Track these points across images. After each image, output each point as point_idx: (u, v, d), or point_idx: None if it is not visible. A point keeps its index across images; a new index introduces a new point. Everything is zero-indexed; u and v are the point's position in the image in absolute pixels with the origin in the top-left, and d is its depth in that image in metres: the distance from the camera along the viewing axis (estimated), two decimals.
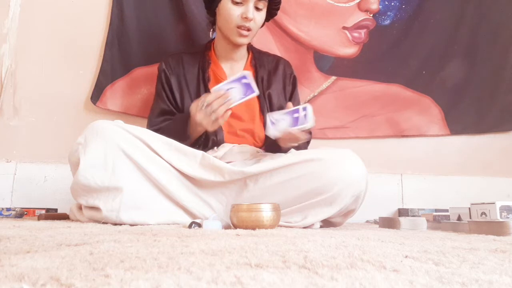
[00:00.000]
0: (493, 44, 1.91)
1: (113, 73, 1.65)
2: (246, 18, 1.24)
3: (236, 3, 1.25)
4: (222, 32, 1.32)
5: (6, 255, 0.43)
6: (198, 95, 1.33)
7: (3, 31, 1.66)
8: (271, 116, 1.14)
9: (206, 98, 1.08)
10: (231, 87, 1.06)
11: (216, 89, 1.08)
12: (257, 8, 1.26)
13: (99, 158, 1.02)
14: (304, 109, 1.10)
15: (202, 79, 1.34)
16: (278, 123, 1.12)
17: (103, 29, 1.69)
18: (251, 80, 1.07)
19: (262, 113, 1.34)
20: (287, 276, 0.35)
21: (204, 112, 1.09)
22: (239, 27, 1.26)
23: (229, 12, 1.26)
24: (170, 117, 1.32)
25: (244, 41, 1.30)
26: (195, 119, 1.11)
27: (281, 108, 1.37)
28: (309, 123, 1.09)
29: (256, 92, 1.07)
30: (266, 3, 1.28)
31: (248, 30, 1.26)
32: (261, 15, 1.29)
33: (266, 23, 1.43)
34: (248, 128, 1.32)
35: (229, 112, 1.09)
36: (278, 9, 1.36)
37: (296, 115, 1.10)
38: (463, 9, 1.89)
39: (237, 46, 1.33)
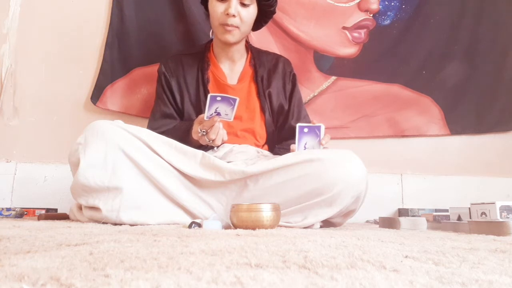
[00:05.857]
0: (493, 44, 1.91)
1: (113, 73, 1.65)
2: (227, 15, 1.23)
3: (220, 0, 1.25)
4: (213, 30, 1.32)
5: (6, 255, 0.43)
6: (197, 97, 1.33)
7: (3, 31, 1.66)
8: (307, 144, 1.15)
9: (203, 125, 1.11)
10: (217, 107, 1.09)
11: (208, 116, 1.10)
12: (243, 4, 1.25)
13: (99, 158, 1.02)
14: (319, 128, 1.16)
15: (202, 81, 1.34)
16: (309, 144, 1.16)
17: (103, 29, 1.70)
18: (221, 94, 1.10)
19: (263, 112, 1.35)
20: (287, 276, 0.35)
21: (204, 139, 1.12)
22: (223, 24, 1.26)
23: (213, 9, 1.26)
24: (172, 120, 1.32)
25: (230, 38, 1.28)
26: (199, 142, 1.15)
27: (281, 106, 1.37)
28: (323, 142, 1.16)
29: (237, 98, 1.10)
30: None
31: (234, 27, 1.26)
32: (248, 11, 1.27)
33: (265, 24, 1.43)
34: (249, 128, 1.32)
35: (225, 136, 1.13)
36: (270, 6, 1.33)
37: (317, 132, 1.15)
38: (463, 9, 1.89)
39: (229, 44, 1.32)
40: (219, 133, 1.11)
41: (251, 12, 1.28)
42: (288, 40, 1.79)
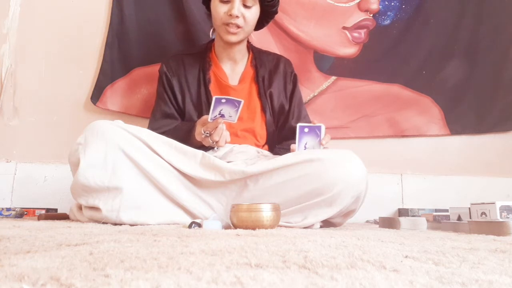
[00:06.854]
0: (493, 44, 1.91)
1: (113, 73, 1.65)
2: (230, 15, 1.24)
3: (223, 1, 1.25)
4: (216, 31, 1.32)
5: (6, 255, 0.43)
6: (199, 98, 1.33)
7: (3, 31, 1.66)
8: (307, 144, 1.16)
9: (206, 127, 1.11)
10: (221, 109, 1.10)
11: (212, 118, 1.10)
12: (245, 6, 1.26)
13: (99, 158, 1.02)
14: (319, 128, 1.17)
15: (203, 81, 1.34)
16: (309, 145, 1.16)
17: (103, 29, 1.70)
18: (226, 97, 1.10)
19: (264, 112, 1.35)
20: (287, 276, 0.35)
21: (207, 140, 1.12)
22: (225, 24, 1.26)
23: (216, 9, 1.26)
24: (172, 121, 1.32)
25: (233, 38, 1.28)
26: (202, 143, 1.14)
27: (282, 106, 1.37)
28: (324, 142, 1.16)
29: (241, 100, 1.10)
30: (257, 0, 1.27)
31: (237, 27, 1.26)
32: (251, 12, 1.27)
33: (267, 24, 1.43)
34: (249, 128, 1.32)
35: (229, 138, 1.13)
36: (272, 6, 1.33)
37: (318, 132, 1.16)
38: (463, 9, 1.89)
39: (231, 45, 1.33)
40: (222, 134, 1.11)
41: (254, 13, 1.28)
42: (288, 40, 1.79)
